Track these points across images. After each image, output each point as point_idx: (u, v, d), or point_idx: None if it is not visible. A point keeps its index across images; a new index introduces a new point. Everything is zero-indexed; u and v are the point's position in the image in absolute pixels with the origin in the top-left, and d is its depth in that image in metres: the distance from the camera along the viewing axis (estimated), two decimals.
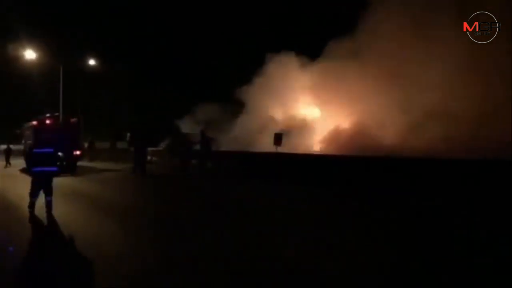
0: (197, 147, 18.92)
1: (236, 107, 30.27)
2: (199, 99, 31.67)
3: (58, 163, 8.95)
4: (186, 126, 30.82)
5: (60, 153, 18.39)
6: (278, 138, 18.56)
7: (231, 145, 24.06)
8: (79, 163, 20.26)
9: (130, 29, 43.21)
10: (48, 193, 8.42)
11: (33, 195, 8.36)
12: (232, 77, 31.36)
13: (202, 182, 15.52)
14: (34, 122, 19.12)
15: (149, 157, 18.65)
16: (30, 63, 27.97)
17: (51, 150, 8.50)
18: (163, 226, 7.66)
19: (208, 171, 17.31)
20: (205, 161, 18.34)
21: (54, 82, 28.40)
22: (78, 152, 19.66)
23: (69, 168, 18.80)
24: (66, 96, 28.07)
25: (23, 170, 18.61)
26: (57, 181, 15.32)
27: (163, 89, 39.51)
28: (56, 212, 8.53)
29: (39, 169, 8.33)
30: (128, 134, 34.28)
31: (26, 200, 8.57)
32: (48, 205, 8.37)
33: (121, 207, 9.84)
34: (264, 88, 28.24)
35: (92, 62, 30.92)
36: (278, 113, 28.24)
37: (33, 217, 8.18)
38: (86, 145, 27.77)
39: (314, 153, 22.20)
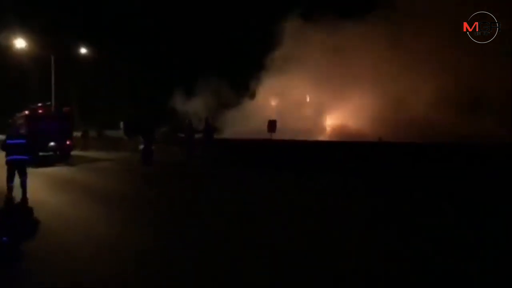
0: (200, 135, 18.47)
1: (242, 93, 30.13)
2: (200, 78, 31.34)
3: (30, 153, 9.74)
4: (184, 106, 30.63)
5: (52, 143, 18.40)
6: (272, 125, 18.32)
7: (236, 133, 23.66)
8: (72, 153, 20.08)
9: (128, 18, 42.58)
10: (23, 175, 9.11)
11: (9, 180, 9.03)
12: (238, 61, 31.11)
13: (202, 173, 15.28)
14: (26, 112, 18.88)
15: (141, 146, 18.25)
16: (26, 55, 27.55)
17: (23, 141, 9.36)
18: (162, 222, 7.51)
19: (209, 160, 16.90)
20: (207, 150, 17.88)
21: (50, 74, 28.09)
22: (70, 142, 19.49)
23: (63, 157, 18.60)
24: (63, 88, 27.78)
25: None
26: (51, 171, 15.43)
27: (162, 82, 39.14)
28: (50, 202, 8.56)
29: (11, 157, 9.11)
30: (122, 123, 33.97)
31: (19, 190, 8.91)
32: (23, 184, 9.04)
33: (118, 200, 9.65)
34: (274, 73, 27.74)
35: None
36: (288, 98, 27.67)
37: (9, 201, 8.88)
38: (79, 134, 27.51)
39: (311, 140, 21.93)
